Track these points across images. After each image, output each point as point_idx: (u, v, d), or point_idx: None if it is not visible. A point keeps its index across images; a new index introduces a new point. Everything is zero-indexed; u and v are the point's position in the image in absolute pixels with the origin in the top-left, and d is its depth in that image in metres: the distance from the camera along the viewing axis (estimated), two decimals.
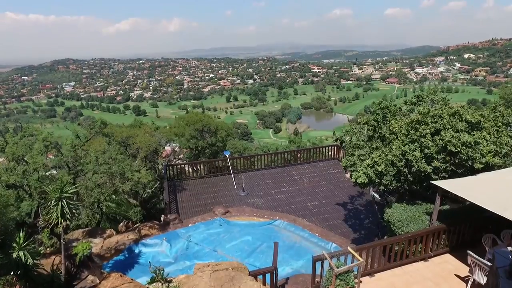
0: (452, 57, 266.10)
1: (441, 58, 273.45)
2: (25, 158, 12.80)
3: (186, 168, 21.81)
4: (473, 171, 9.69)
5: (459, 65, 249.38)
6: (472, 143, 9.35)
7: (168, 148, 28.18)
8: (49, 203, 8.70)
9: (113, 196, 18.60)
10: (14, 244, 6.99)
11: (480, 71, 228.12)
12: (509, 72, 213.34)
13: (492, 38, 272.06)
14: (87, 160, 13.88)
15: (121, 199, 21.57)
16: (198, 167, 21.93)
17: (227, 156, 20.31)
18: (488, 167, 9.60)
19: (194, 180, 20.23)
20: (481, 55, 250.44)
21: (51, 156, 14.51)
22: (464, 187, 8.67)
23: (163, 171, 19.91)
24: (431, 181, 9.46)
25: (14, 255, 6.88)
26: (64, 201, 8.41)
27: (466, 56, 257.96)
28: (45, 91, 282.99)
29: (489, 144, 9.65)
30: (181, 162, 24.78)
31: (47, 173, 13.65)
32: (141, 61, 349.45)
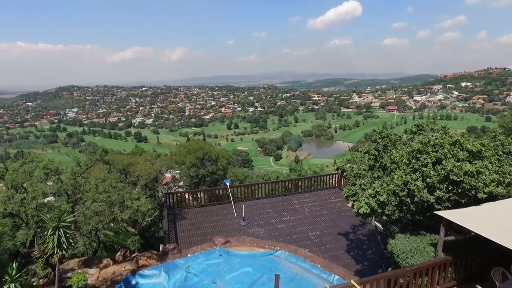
0: (450, 85, 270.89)
1: (439, 86, 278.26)
2: (24, 186, 12.71)
3: (186, 196, 21.62)
4: (477, 201, 9.56)
5: (457, 93, 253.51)
6: (474, 172, 9.30)
7: (168, 175, 28.06)
8: (45, 232, 8.55)
9: (112, 224, 18.33)
10: (6, 277, 6.80)
11: (477, 99, 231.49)
12: (506, 100, 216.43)
13: (487, 67, 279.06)
14: (87, 188, 13.79)
15: (120, 228, 21.24)
16: (199, 195, 21.73)
17: (228, 184, 20.17)
18: (492, 197, 9.48)
19: (194, 209, 19.98)
20: (478, 84, 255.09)
21: (50, 183, 14.44)
22: (469, 218, 8.52)
23: (163, 199, 19.71)
24: (434, 211, 9.32)
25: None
26: (61, 230, 8.28)
27: (463, 84, 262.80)
28: (48, 117, 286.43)
29: (492, 173, 9.58)
30: (181, 190, 24.58)
31: (46, 199, 13.53)
32: (143, 89, 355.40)
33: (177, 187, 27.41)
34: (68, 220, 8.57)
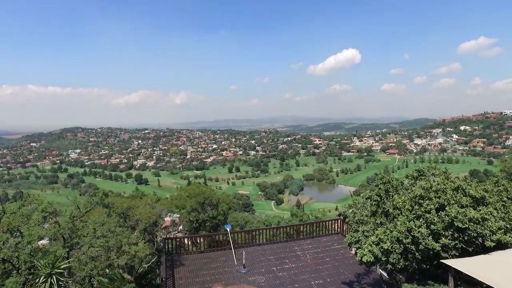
0: (449, 129, 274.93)
1: (438, 130, 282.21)
2: (20, 230, 12.47)
3: (186, 241, 21.06)
4: (485, 249, 9.29)
5: (456, 136, 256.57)
6: (480, 219, 9.15)
7: (168, 219, 27.56)
8: (37, 280, 8.24)
9: (107, 270, 17.69)
10: None
11: (477, 142, 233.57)
12: (506, 143, 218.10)
13: (484, 112, 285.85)
14: (85, 232, 13.52)
15: (115, 274, 20.41)
16: (198, 241, 21.18)
17: (228, 230, 19.74)
18: (500, 245, 9.23)
19: (193, 255, 19.35)
20: (476, 127, 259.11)
21: (47, 225, 14.17)
22: (478, 267, 8.23)
23: (162, 244, 19.18)
24: (441, 260, 9.02)
25: None
26: (54, 277, 7.99)
27: (462, 128, 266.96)
28: (51, 157, 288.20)
29: (498, 220, 9.42)
30: (181, 235, 24.02)
31: (41, 242, 13.20)
32: (146, 131, 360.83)
33: (176, 231, 26.80)
34: (62, 266, 8.30)
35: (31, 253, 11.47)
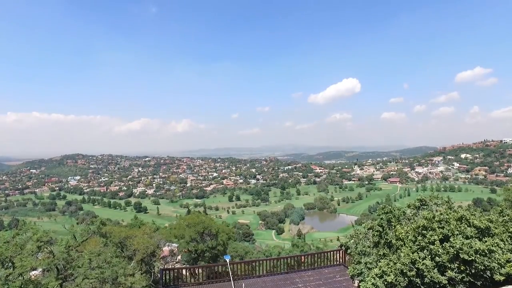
0: (450, 157, 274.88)
1: (439, 158, 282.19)
2: (13, 260, 12.11)
3: (184, 272, 20.44)
4: (494, 283, 8.96)
5: (458, 164, 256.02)
6: (486, 251, 8.90)
7: (166, 248, 26.94)
8: None
9: None
10: None
11: (479, 170, 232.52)
12: (508, 172, 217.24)
13: (484, 140, 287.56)
14: (80, 263, 13.15)
15: None
16: (197, 272, 20.55)
17: (227, 260, 19.21)
18: (510, 279, 8.90)
19: (191, 287, 18.73)
20: (477, 155, 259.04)
21: (41, 255, 13.79)
22: None
23: (159, 275, 18.62)
24: None
25: None
26: None
27: (463, 156, 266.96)
28: (50, 184, 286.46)
29: (505, 252, 9.16)
30: (179, 266, 23.37)
31: (33, 273, 12.78)
32: (147, 159, 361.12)
33: (174, 261, 26.11)
34: None
35: (22, 286, 11.08)
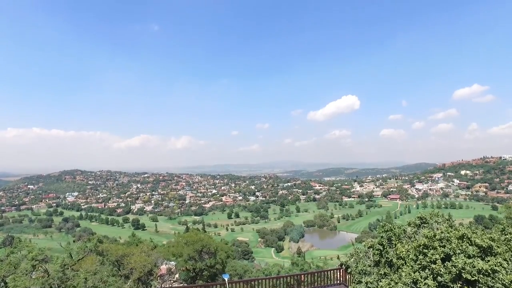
0: (450, 174, 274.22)
1: (439, 174, 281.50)
2: (6, 280, 11.87)
3: None
4: None
5: (458, 181, 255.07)
6: (489, 271, 8.75)
7: (164, 267, 26.46)
8: None
9: None
10: None
11: (480, 187, 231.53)
12: (509, 188, 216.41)
13: (484, 156, 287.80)
14: (75, 282, 12.88)
15: None
16: None
17: (226, 280, 18.85)
18: None
19: None
20: (477, 172, 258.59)
21: (35, 274, 13.51)
22: None
23: None
24: None
25: None
26: None
27: (462, 172, 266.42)
28: (47, 200, 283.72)
29: (509, 272, 9.01)
30: (177, 285, 22.92)
31: None
32: (146, 175, 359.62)
33: (172, 280, 25.60)
34: None
35: None
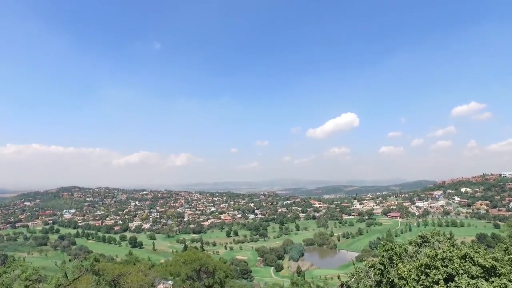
0: (450, 191, 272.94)
1: (439, 192, 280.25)
2: None
3: None
4: None
5: (458, 198, 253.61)
6: None
7: (161, 286, 25.92)
8: None
9: None
10: None
11: (481, 205, 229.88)
12: (510, 206, 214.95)
13: (483, 173, 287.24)
14: None
15: None
16: None
17: None
18: None
19: None
20: (478, 189, 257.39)
21: None
22: None
23: None
24: None
25: None
26: None
27: (463, 190, 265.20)
28: (44, 217, 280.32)
29: None
30: None
31: None
32: (144, 192, 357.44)
33: None
34: None
35: None
